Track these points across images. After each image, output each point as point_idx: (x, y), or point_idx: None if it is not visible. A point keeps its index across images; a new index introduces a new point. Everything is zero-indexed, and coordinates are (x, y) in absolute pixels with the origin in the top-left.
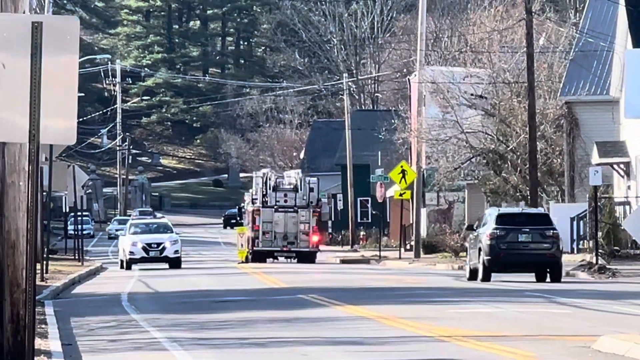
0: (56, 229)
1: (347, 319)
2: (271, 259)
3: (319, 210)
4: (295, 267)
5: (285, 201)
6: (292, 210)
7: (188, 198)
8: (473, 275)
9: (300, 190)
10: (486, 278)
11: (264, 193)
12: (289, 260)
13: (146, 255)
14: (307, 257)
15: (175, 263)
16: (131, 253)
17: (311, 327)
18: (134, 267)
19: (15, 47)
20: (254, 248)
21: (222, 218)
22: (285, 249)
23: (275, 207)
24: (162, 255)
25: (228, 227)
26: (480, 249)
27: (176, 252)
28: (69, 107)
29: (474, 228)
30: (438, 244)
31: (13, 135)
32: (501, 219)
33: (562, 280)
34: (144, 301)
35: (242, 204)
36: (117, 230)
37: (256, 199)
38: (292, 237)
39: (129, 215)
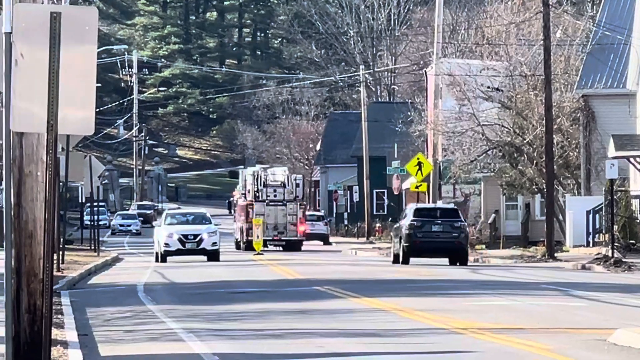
0: (72, 220)
1: (363, 310)
2: (263, 248)
3: (304, 203)
4: (311, 259)
5: (275, 196)
6: (281, 203)
7: (204, 189)
8: (396, 259)
9: (288, 185)
10: (405, 261)
11: (256, 189)
12: (278, 248)
13: (182, 248)
14: (295, 245)
15: (213, 256)
16: (166, 245)
17: (327, 318)
18: (169, 259)
19: (34, 37)
20: (248, 238)
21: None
22: (275, 238)
23: (266, 201)
24: (199, 248)
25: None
26: (400, 238)
27: (214, 244)
28: (87, 98)
29: (397, 220)
30: None
31: (31, 125)
32: (418, 212)
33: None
34: (160, 292)
35: (232, 199)
36: (120, 226)
37: (246, 194)
38: (281, 228)
39: (125, 209)
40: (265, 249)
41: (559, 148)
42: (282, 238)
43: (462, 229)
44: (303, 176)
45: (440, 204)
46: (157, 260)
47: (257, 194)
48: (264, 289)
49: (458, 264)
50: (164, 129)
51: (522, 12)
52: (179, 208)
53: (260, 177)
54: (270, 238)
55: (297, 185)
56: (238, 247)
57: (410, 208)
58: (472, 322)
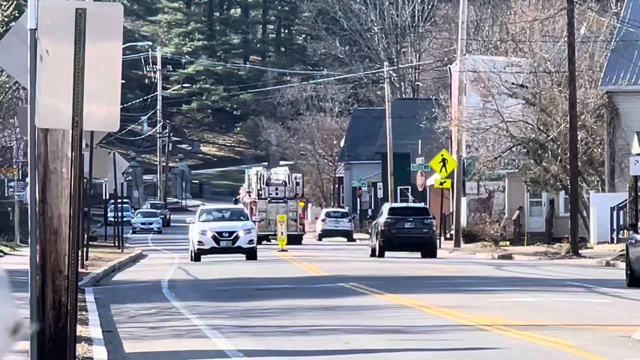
0: (96, 216)
1: (388, 307)
2: (265, 241)
3: (304, 200)
4: (336, 255)
5: (277, 194)
6: (282, 201)
7: (228, 185)
8: (373, 253)
9: (288, 184)
10: (381, 255)
11: (259, 187)
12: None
13: (216, 246)
14: (296, 239)
15: (250, 254)
16: (200, 243)
17: (352, 315)
18: (203, 258)
19: (59, 33)
20: None
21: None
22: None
23: (268, 198)
24: (235, 246)
25: None
26: (377, 234)
27: (251, 241)
28: (112, 94)
29: (374, 219)
30: (478, 233)
31: (56, 121)
32: (392, 210)
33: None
34: (184, 289)
35: (238, 196)
36: (142, 224)
37: (251, 192)
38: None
39: (146, 207)
40: (268, 242)
41: (583, 144)
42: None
43: (431, 226)
44: (302, 175)
45: (411, 203)
46: (191, 260)
47: (260, 192)
48: (288, 286)
49: (429, 257)
50: (187, 125)
51: (547, 8)
52: (203, 204)
53: (263, 176)
54: (273, 233)
55: (297, 183)
56: None
57: (385, 207)
58: (496, 319)
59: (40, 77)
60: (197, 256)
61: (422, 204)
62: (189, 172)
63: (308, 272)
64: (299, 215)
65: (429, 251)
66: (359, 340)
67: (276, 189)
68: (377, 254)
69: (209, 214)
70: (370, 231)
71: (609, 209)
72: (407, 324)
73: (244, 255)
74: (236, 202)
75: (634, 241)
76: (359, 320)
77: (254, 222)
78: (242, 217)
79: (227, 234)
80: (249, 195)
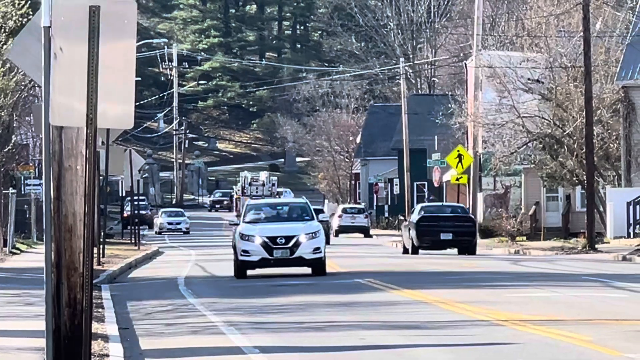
0: (113, 213)
1: (404, 303)
2: None
3: (277, 197)
4: (352, 251)
5: (257, 192)
6: (260, 197)
7: None
8: (406, 251)
9: (266, 185)
10: (415, 253)
11: (243, 187)
12: None
13: (268, 256)
14: None
15: (316, 267)
16: (244, 253)
17: (368, 311)
18: (250, 272)
19: (73, 31)
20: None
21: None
22: None
23: (250, 196)
24: (294, 256)
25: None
26: (410, 232)
27: (317, 250)
28: (126, 92)
29: (405, 218)
30: (494, 228)
31: (71, 119)
32: (424, 210)
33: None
34: (201, 285)
35: (232, 193)
36: (169, 224)
37: (238, 190)
38: None
39: (170, 206)
40: None
41: (599, 140)
42: None
43: (468, 223)
44: (277, 178)
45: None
46: (235, 275)
47: (245, 191)
48: (304, 282)
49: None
50: (204, 122)
51: (562, 3)
52: (249, 199)
53: (247, 178)
54: None
55: (273, 184)
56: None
57: (418, 206)
58: (513, 314)
59: (54, 75)
60: (240, 271)
61: (459, 203)
62: (206, 169)
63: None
64: None
65: (468, 249)
66: (375, 336)
67: (256, 188)
68: (410, 252)
69: (258, 211)
70: (402, 231)
71: (625, 204)
72: (424, 320)
73: (309, 269)
74: (231, 198)
75: None
76: (375, 316)
77: (321, 221)
78: (304, 215)
79: (283, 240)
80: (237, 193)
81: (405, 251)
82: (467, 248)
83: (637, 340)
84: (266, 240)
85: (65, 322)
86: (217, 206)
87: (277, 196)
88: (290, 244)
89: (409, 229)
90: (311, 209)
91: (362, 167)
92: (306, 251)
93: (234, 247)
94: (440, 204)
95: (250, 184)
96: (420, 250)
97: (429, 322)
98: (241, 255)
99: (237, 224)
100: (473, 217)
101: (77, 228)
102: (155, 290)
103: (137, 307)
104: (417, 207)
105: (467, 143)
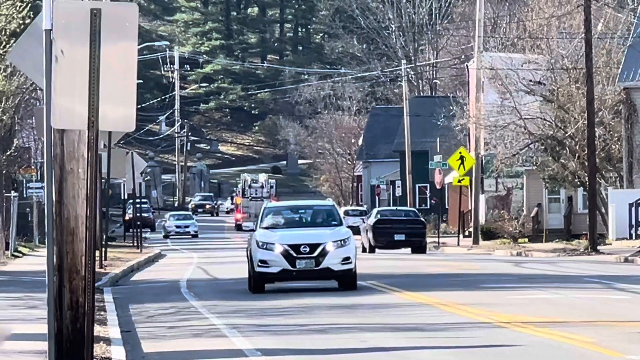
0: (115, 216)
1: (406, 305)
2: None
3: (276, 199)
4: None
5: (256, 193)
6: (259, 199)
7: None
8: (364, 250)
9: (265, 187)
10: (372, 251)
11: (243, 189)
12: None
13: (290, 267)
14: None
15: (345, 280)
16: (262, 264)
17: (370, 313)
18: (268, 287)
19: (74, 34)
20: (237, 223)
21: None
22: None
23: (249, 197)
24: (320, 268)
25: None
26: (367, 233)
27: (346, 260)
28: (128, 94)
29: (364, 221)
30: (497, 230)
31: (72, 122)
32: (380, 213)
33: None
34: (203, 288)
35: (233, 195)
36: (177, 227)
37: (239, 192)
38: None
39: (176, 209)
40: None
41: (600, 141)
42: None
43: (419, 226)
44: (275, 180)
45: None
46: (250, 289)
47: (244, 193)
48: (307, 284)
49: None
50: (205, 125)
51: (564, 5)
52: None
53: (247, 180)
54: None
55: (272, 186)
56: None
57: (374, 210)
58: (515, 316)
59: (56, 77)
60: (257, 285)
61: (411, 208)
62: (208, 171)
63: None
64: None
65: (418, 248)
66: (377, 339)
67: (255, 190)
68: (367, 251)
69: (278, 216)
70: (361, 231)
71: (627, 205)
72: (425, 322)
73: (336, 282)
74: (232, 199)
75: None
76: (377, 319)
77: None
78: (331, 220)
79: (307, 248)
80: (237, 195)
81: (364, 250)
82: (419, 248)
83: (639, 342)
84: (288, 248)
85: (67, 325)
86: (200, 210)
87: (276, 198)
88: (316, 253)
89: (367, 231)
90: (339, 213)
91: (364, 170)
92: (334, 262)
93: (249, 257)
94: (394, 208)
95: (249, 186)
96: (376, 250)
97: (431, 324)
98: (258, 266)
99: (252, 229)
100: (424, 220)
101: (79, 231)
102: (158, 293)
103: (140, 310)
104: (374, 211)
105: (469, 145)
